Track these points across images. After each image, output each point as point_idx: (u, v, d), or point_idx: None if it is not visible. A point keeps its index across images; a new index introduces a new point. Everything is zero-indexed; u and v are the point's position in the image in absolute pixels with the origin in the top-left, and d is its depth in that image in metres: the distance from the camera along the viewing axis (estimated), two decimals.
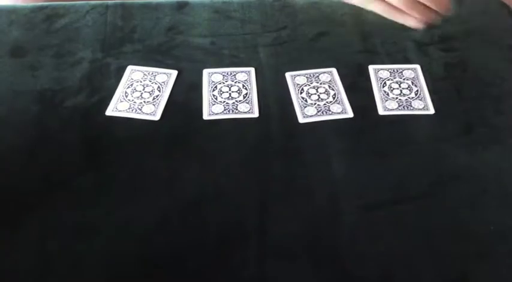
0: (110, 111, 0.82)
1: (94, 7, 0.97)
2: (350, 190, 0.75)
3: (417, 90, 0.86)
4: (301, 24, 0.96)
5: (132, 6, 0.99)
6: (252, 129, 0.81)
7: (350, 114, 0.83)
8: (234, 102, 0.84)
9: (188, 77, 0.87)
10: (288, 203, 0.74)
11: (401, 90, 0.85)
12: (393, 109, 0.83)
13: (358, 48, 0.92)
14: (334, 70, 0.88)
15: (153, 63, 0.89)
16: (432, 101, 0.84)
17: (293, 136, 0.81)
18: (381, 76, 0.87)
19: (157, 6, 0.98)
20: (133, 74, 0.87)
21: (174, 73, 0.87)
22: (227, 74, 0.88)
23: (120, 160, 0.78)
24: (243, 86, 0.86)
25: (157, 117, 0.82)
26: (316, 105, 0.84)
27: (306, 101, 0.84)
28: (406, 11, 0.89)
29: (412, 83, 0.87)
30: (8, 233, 0.71)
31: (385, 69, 0.88)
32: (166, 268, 0.68)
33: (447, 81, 0.88)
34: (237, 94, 0.85)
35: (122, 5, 0.98)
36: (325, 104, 0.84)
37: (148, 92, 0.85)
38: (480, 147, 0.80)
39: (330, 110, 0.83)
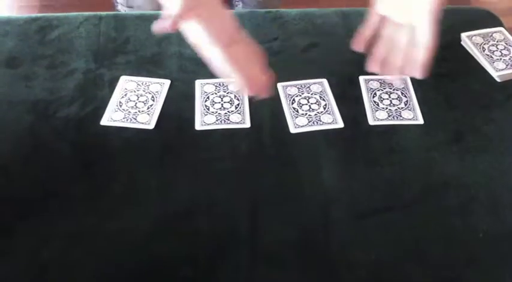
0: (105, 121, 0.83)
1: (87, 18, 0.98)
2: (341, 198, 0.76)
3: (407, 101, 0.87)
4: (292, 35, 0.97)
5: (125, 17, 1.00)
6: (244, 140, 0.82)
7: (341, 124, 0.84)
8: (226, 113, 0.85)
9: (181, 88, 0.88)
10: (279, 212, 0.75)
11: (391, 101, 0.86)
12: (383, 119, 0.84)
13: (348, 58, 0.93)
14: (325, 81, 0.89)
15: (146, 74, 0.89)
16: (422, 110, 0.85)
17: (285, 146, 0.82)
18: (371, 86, 0.88)
19: (150, 17, 0.98)
20: (127, 84, 0.88)
21: (167, 82, 0.88)
22: (219, 84, 0.88)
23: (114, 169, 0.79)
24: (235, 96, 0.87)
25: (151, 126, 0.82)
26: (307, 115, 0.85)
27: (297, 111, 0.85)
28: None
29: (402, 93, 0.88)
30: (1, 241, 0.71)
31: (375, 80, 0.89)
32: (159, 276, 0.69)
33: (437, 91, 0.89)
34: (229, 105, 0.86)
35: (115, 16, 0.99)
36: (316, 115, 0.85)
37: (143, 102, 0.85)
38: (469, 156, 0.81)
39: (320, 120, 0.84)
